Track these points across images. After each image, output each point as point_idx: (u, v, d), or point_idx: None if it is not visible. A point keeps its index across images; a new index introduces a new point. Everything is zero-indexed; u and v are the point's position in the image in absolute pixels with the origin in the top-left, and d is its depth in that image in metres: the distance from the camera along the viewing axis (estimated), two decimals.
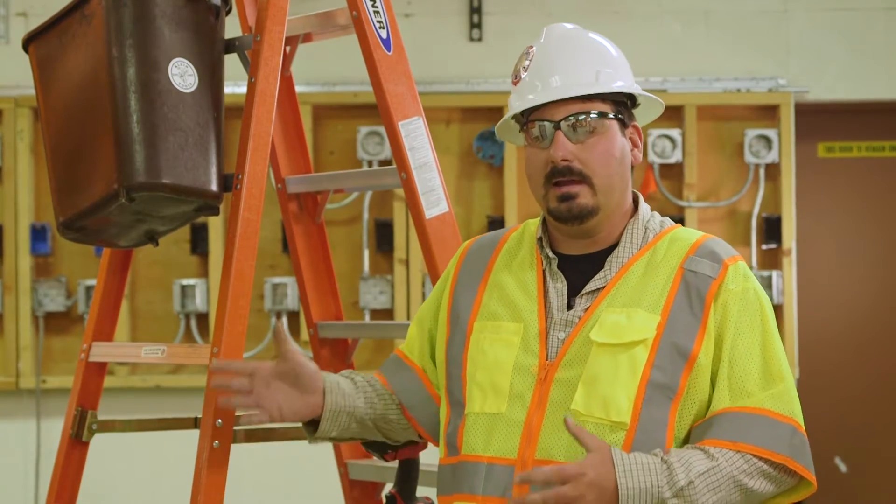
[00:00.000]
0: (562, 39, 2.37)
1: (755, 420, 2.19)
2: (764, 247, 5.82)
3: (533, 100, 2.29)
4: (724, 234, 5.78)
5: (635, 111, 2.37)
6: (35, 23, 5.43)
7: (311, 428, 2.39)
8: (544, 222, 2.37)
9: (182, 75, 2.77)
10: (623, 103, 2.33)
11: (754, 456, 2.17)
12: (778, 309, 5.72)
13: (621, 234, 2.33)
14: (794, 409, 2.23)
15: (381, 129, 5.60)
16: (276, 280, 5.73)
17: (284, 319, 5.75)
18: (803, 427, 2.24)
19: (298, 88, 3.34)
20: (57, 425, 5.42)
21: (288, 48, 3.11)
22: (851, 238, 6.17)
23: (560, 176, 2.26)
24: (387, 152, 5.66)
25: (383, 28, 3.02)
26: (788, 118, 5.77)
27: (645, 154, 5.73)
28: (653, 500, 2.10)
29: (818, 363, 6.08)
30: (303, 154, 3.31)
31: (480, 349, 2.31)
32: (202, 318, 5.79)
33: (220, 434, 2.69)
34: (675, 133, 5.74)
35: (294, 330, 5.77)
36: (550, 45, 2.36)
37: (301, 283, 3.30)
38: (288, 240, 3.31)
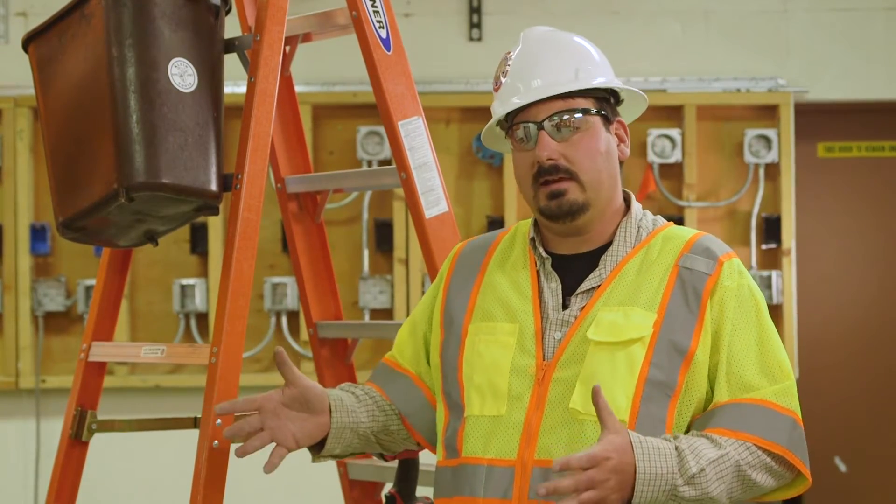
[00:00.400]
0: (539, 42, 2.37)
1: (757, 411, 2.21)
2: (763, 247, 5.82)
3: (515, 103, 2.30)
4: (723, 234, 5.78)
5: (620, 108, 2.38)
6: (35, 22, 5.44)
7: (316, 448, 2.37)
8: (536, 223, 2.38)
9: (182, 75, 2.77)
10: (606, 99, 2.33)
11: (756, 446, 2.18)
12: (778, 309, 5.73)
13: (614, 232, 2.33)
14: (795, 405, 2.25)
15: (381, 129, 5.60)
16: (276, 280, 5.73)
17: (284, 320, 5.76)
18: (802, 422, 2.26)
19: (298, 88, 3.34)
20: (56, 425, 5.43)
21: (287, 48, 3.11)
22: (851, 238, 6.17)
23: (547, 175, 2.27)
24: (386, 152, 5.66)
25: (383, 28, 3.02)
26: (788, 118, 5.77)
27: (645, 154, 5.73)
28: (666, 486, 2.10)
29: (818, 363, 6.08)
30: (302, 154, 3.31)
31: (476, 351, 2.30)
32: (202, 317, 5.79)
33: (220, 434, 2.69)
34: (674, 133, 5.74)
35: (294, 330, 5.77)
36: (528, 48, 2.36)
37: (301, 282, 3.30)
38: (287, 240, 3.31)
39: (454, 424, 2.31)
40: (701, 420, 2.23)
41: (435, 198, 3.03)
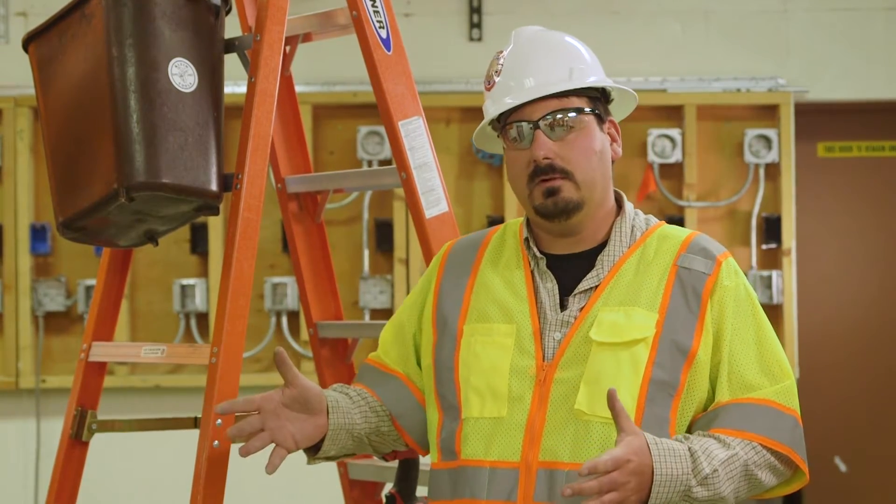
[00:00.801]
0: (531, 41, 2.37)
1: (761, 410, 2.23)
2: (764, 247, 5.82)
3: (509, 102, 2.30)
4: (723, 233, 5.78)
5: (611, 107, 2.38)
6: (35, 22, 5.44)
7: (312, 450, 2.37)
8: (529, 224, 2.37)
9: (182, 75, 2.77)
10: (598, 99, 2.33)
11: (762, 446, 2.20)
12: (778, 309, 5.73)
13: (608, 232, 2.33)
14: (795, 404, 2.27)
15: (381, 129, 5.60)
16: (276, 280, 5.73)
17: (284, 320, 5.76)
18: (801, 420, 2.28)
19: (298, 88, 3.34)
20: (57, 425, 5.43)
21: (288, 48, 3.11)
22: (851, 238, 6.17)
23: (543, 174, 2.27)
24: (387, 152, 5.66)
25: (383, 28, 3.02)
26: (788, 118, 5.77)
27: (645, 154, 5.73)
28: (681, 487, 2.12)
29: (818, 363, 6.08)
30: (303, 154, 3.31)
31: (473, 353, 2.30)
32: (202, 317, 5.79)
33: (220, 434, 2.69)
34: (674, 133, 5.74)
35: (294, 330, 5.77)
36: (520, 47, 2.36)
37: (301, 282, 3.30)
38: (288, 239, 3.31)
39: (450, 426, 2.31)
40: (703, 420, 2.24)
41: (435, 198, 3.03)
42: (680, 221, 5.62)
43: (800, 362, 5.89)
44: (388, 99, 3.00)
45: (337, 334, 3.31)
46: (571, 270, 2.31)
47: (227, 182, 2.82)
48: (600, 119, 2.33)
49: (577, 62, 2.33)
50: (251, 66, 2.87)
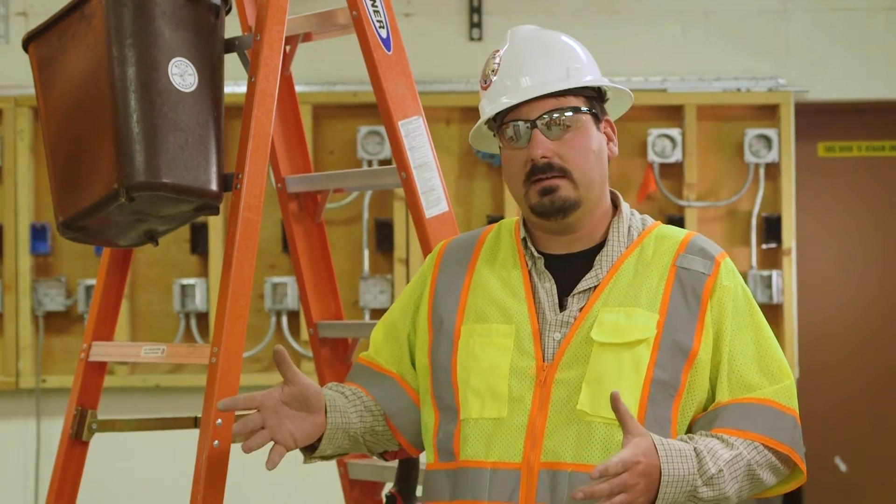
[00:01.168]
0: (527, 40, 2.37)
1: (762, 410, 2.23)
2: (764, 246, 5.82)
3: (506, 102, 2.30)
4: (724, 233, 5.78)
5: (606, 105, 2.38)
6: (35, 22, 5.44)
7: (308, 450, 2.37)
8: (525, 223, 2.37)
9: (182, 75, 2.77)
10: (594, 98, 2.33)
11: (764, 446, 2.22)
12: (778, 309, 5.73)
13: (606, 232, 2.33)
14: (795, 403, 2.28)
15: (381, 129, 5.60)
16: (276, 280, 5.73)
17: (284, 319, 5.76)
18: (800, 420, 2.29)
19: (298, 88, 3.34)
20: (57, 425, 5.43)
21: (288, 48, 3.11)
22: (851, 238, 6.17)
23: (540, 173, 2.27)
24: (387, 152, 5.66)
25: (383, 27, 3.02)
26: (788, 118, 5.77)
27: (645, 153, 5.73)
28: (687, 487, 2.13)
29: (818, 363, 6.08)
30: (303, 154, 3.31)
31: (472, 353, 2.29)
32: (202, 317, 5.79)
33: (220, 433, 2.69)
34: (675, 133, 5.74)
35: (294, 330, 5.77)
36: (517, 47, 2.36)
37: (301, 282, 3.30)
38: (288, 239, 3.31)
39: (447, 427, 2.30)
40: (704, 420, 2.25)
41: (435, 197, 3.03)
42: (680, 221, 5.62)
43: (800, 362, 5.89)
44: (389, 99, 3.00)
45: (337, 334, 3.31)
46: (569, 270, 2.31)
47: (228, 182, 2.82)
48: (597, 118, 2.33)
49: (574, 61, 2.33)
50: (251, 66, 2.87)
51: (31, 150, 5.76)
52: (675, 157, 5.74)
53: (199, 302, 5.72)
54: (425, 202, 3.02)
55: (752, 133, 5.76)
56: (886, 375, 6.16)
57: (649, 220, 2.39)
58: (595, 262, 2.30)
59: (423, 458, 3.02)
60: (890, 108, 6.04)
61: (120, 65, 2.72)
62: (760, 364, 2.26)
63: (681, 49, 5.89)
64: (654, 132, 5.71)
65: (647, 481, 2.09)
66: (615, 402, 2.10)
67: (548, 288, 2.30)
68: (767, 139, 5.76)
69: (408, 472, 3.01)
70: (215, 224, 5.72)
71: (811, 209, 6.09)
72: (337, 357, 3.33)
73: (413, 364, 2.41)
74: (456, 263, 2.40)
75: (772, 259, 5.83)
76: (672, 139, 5.73)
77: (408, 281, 5.73)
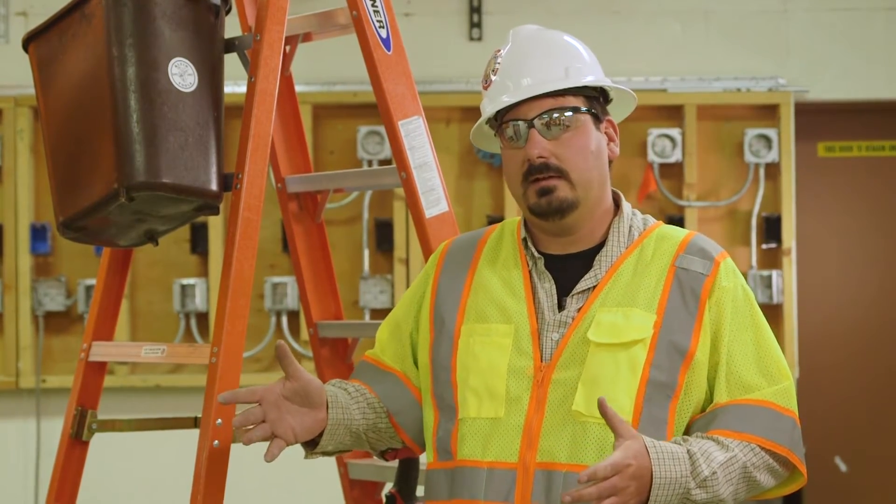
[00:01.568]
0: (529, 40, 2.37)
1: (760, 412, 2.22)
2: (764, 246, 5.82)
3: (505, 101, 2.30)
4: (724, 233, 5.78)
5: (610, 107, 2.37)
6: (35, 22, 5.44)
7: (310, 445, 2.37)
8: (527, 223, 2.37)
9: (182, 75, 2.77)
10: (596, 98, 2.33)
11: (760, 447, 2.20)
12: (778, 309, 5.73)
13: (606, 232, 2.33)
14: (794, 405, 2.27)
15: (381, 129, 5.60)
16: (276, 279, 5.73)
17: (284, 319, 5.76)
18: (799, 421, 2.28)
19: (298, 88, 3.34)
20: (57, 425, 5.43)
21: (288, 48, 3.11)
22: (851, 238, 6.17)
23: (538, 173, 2.27)
24: (387, 152, 5.67)
25: (383, 27, 3.02)
26: (788, 118, 5.77)
27: (645, 153, 5.73)
28: (679, 489, 2.12)
29: (818, 363, 6.08)
30: (303, 153, 3.31)
31: (471, 353, 2.29)
32: (202, 317, 5.79)
33: (220, 433, 2.69)
34: (675, 132, 5.74)
35: (294, 330, 5.77)
36: (518, 46, 2.36)
37: (301, 282, 3.30)
38: (288, 239, 3.31)
39: (446, 426, 2.31)
40: (702, 421, 2.24)
41: (435, 197, 3.03)
42: (680, 221, 5.62)
43: (800, 362, 5.89)
44: (388, 98, 3.00)
45: (337, 334, 3.31)
46: (569, 271, 2.31)
47: (228, 182, 2.82)
48: (597, 118, 2.32)
49: (575, 61, 2.33)
50: (251, 66, 2.87)
51: (32, 149, 5.76)
52: (675, 156, 5.74)
53: (199, 302, 5.72)
54: (425, 202, 3.02)
55: (752, 133, 5.76)
56: (886, 375, 6.16)
57: (651, 220, 2.38)
58: (594, 263, 2.30)
59: (424, 458, 3.03)
60: (890, 108, 6.04)
61: (120, 65, 2.72)
62: (759, 365, 2.25)
63: (681, 49, 5.89)
64: (654, 132, 5.71)
65: (638, 484, 2.08)
66: (602, 407, 2.09)
67: (547, 288, 2.30)
68: (767, 139, 5.76)
69: (408, 473, 3.01)
70: (215, 224, 5.72)
71: (811, 209, 6.09)
72: (337, 357, 3.33)
73: (416, 363, 2.41)
74: (458, 263, 2.41)
75: (772, 259, 5.83)
76: (672, 139, 5.73)
77: (408, 281, 5.73)
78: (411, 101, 3.03)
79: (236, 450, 2.82)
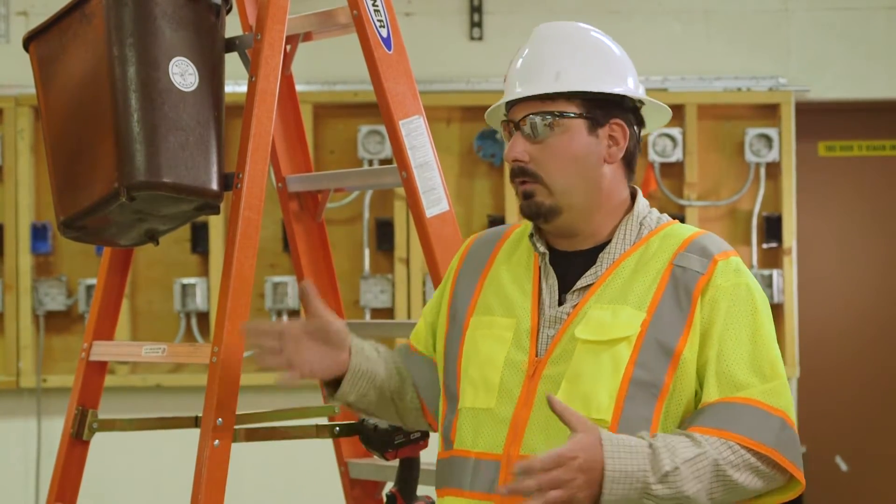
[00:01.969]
0: (545, 40, 2.37)
1: (744, 410, 2.17)
2: (764, 246, 5.82)
3: (500, 102, 2.34)
4: (724, 232, 5.78)
5: (644, 114, 2.35)
6: (35, 22, 5.44)
7: (332, 388, 2.39)
8: None
9: (182, 74, 2.77)
10: (601, 102, 2.29)
11: (740, 446, 2.15)
12: (778, 308, 5.72)
13: (615, 229, 2.32)
14: (785, 405, 2.21)
15: (382, 128, 5.60)
16: (277, 279, 5.73)
17: (285, 319, 5.76)
18: (794, 423, 2.22)
19: (299, 87, 3.34)
20: (57, 424, 5.43)
21: (288, 47, 3.11)
22: (852, 237, 6.17)
23: (518, 176, 2.29)
24: (387, 151, 5.67)
25: (384, 27, 3.02)
26: (789, 117, 5.77)
27: (645, 153, 5.73)
28: (637, 484, 2.08)
29: (818, 363, 6.08)
30: (303, 153, 3.31)
31: (474, 344, 2.31)
32: (203, 317, 5.79)
33: (221, 433, 2.69)
34: (675, 132, 5.74)
35: None
36: (534, 45, 2.37)
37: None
38: (288, 239, 3.31)
39: (449, 416, 2.33)
40: (689, 419, 2.21)
41: (436, 197, 3.03)
42: (680, 221, 5.60)
43: (800, 362, 5.89)
44: (389, 98, 3.00)
45: None
46: (573, 267, 2.31)
47: (228, 181, 2.82)
48: (595, 123, 2.31)
49: (574, 63, 2.32)
50: (252, 66, 2.87)
51: (32, 149, 5.76)
52: (676, 156, 5.75)
53: (199, 301, 5.72)
54: (426, 201, 3.02)
55: (752, 132, 5.77)
56: (886, 375, 6.16)
57: (665, 218, 2.36)
58: (597, 260, 2.30)
59: (424, 458, 3.03)
60: (890, 108, 6.04)
61: (120, 64, 2.72)
62: (753, 363, 2.20)
63: (681, 48, 5.89)
64: (655, 131, 5.71)
65: (586, 477, 2.04)
66: (551, 403, 2.08)
67: (550, 284, 2.31)
68: (768, 138, 5.76)
69: (408, 472, 3.02)
70: (216, 223, 5.73)
71: (812, 209, 6.09)
72: None
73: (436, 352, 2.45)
74: (478, 258, 2.43)
75: (772, 258, 5.83)
76: (673, 138, 5.74)
77: (408, 281, 5.75)
78: (412, 100, 3.03)
79: (237, 450, 2.82)
